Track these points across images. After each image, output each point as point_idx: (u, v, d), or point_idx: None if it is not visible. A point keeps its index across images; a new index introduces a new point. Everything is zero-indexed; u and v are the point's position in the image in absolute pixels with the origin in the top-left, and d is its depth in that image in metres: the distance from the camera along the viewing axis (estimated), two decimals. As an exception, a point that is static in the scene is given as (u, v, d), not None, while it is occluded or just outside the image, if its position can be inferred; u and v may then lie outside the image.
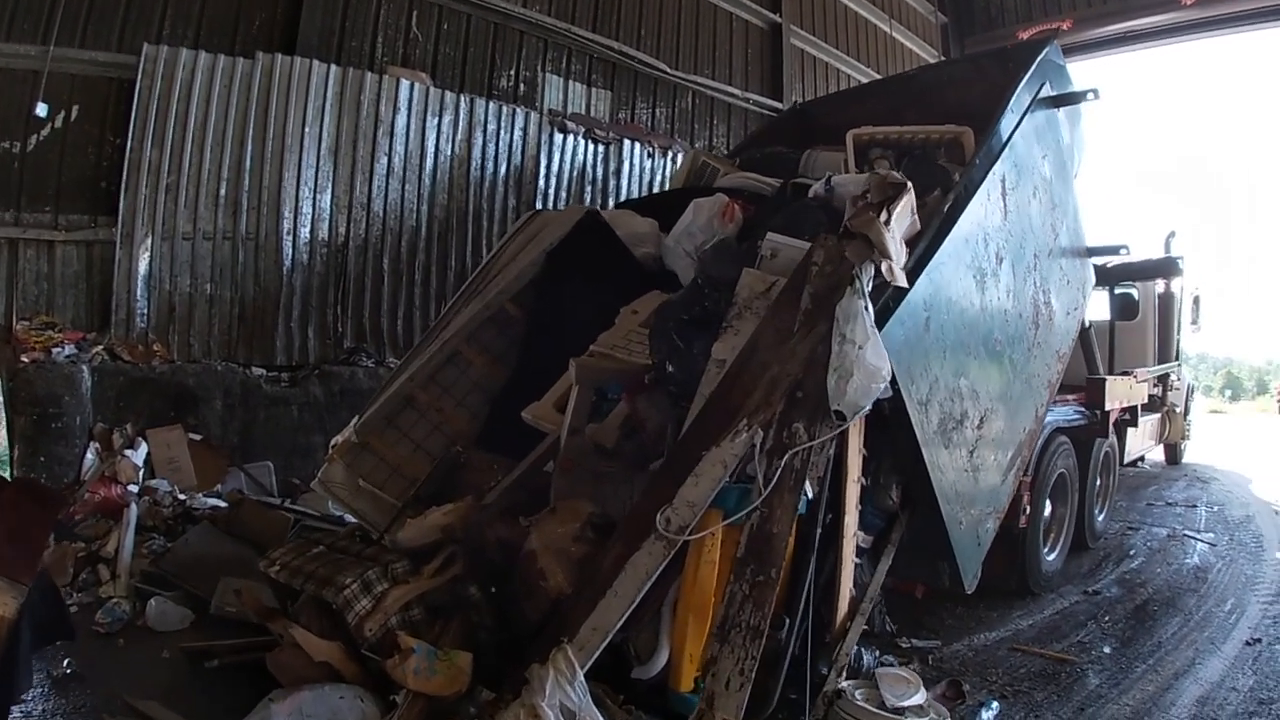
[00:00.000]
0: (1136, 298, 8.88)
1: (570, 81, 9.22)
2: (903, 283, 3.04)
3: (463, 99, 7.98)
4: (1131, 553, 6.24)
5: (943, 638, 4.29)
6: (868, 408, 2.85)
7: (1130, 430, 7.49)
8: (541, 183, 8.65)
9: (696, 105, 10.73)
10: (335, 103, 7.03)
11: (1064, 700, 3.60)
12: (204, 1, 6.61)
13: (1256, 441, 16.41)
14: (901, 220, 2.97)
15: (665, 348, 3.47)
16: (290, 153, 6.78)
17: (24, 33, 5.92)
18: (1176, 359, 9.73)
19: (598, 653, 2.56)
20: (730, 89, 11.05)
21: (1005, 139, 4.03)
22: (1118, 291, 8.27)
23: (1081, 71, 4.93)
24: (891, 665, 3.51)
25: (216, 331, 6.54)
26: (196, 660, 3.30)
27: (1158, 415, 9.03)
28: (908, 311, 3.23)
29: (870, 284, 2.89)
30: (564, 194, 8.86)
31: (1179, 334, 9.75)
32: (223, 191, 6.51)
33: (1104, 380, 6.20)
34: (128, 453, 5.41)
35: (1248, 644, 4.32)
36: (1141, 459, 9.53)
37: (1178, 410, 9.89)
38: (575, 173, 8.99)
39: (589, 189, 9.12)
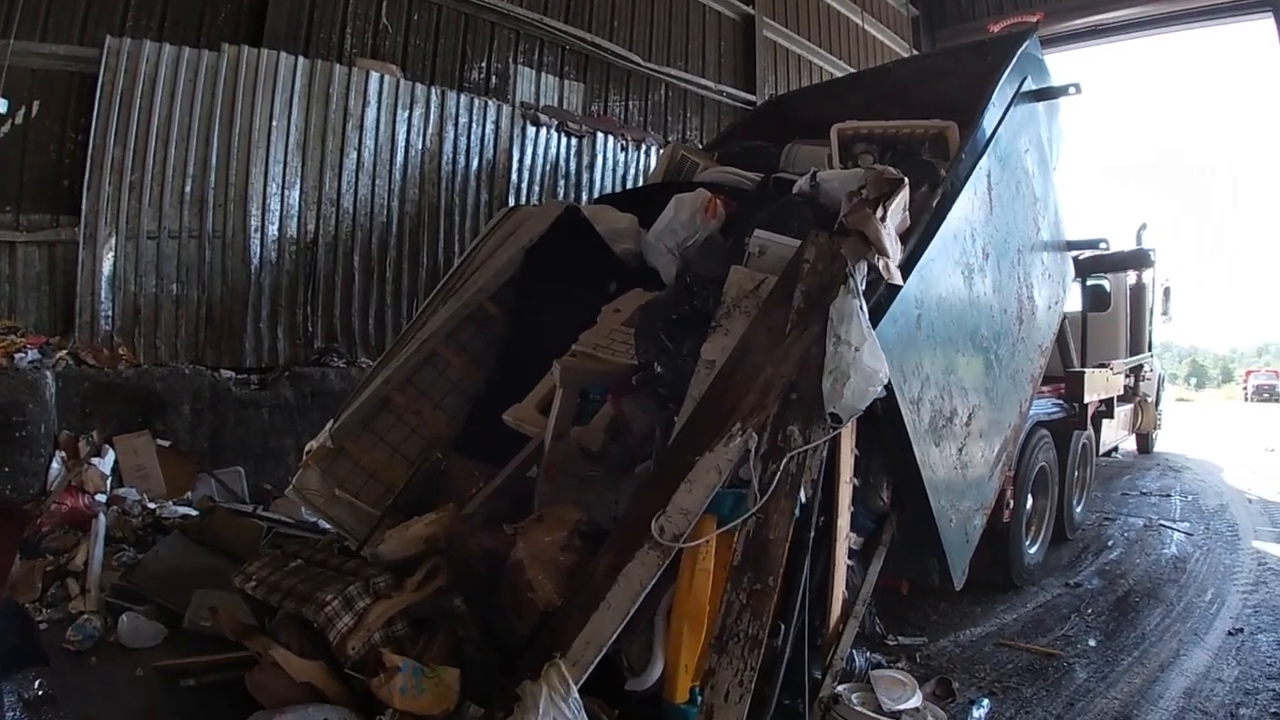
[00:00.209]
0: (1108, 289, 9.00)
1: (543, 74, 9.14)
2: (898, 280, 3.00)
3: (434, 91, 7.86)
4: (1110, 544, 6.31)
5: (929, 634, 4.28)
6: (863, 409, 2.80)
7: (1106, 421, 7.62)
8: (514, 177, 8.55)
9: (669, 97, 10.71)
10: (303, 96, 6.87)
11: (1053, 695, 3.60)
12: (168, -8, 6.43)
13: (1224, 429, 16.79)
14: (895, 216, 2.92)
15: (652, 348, 3.39)
16: (257, 148, 6.60)
17: (-19, 26, 5.70)
18: (1148, 350, 9.89)
19: (591, 667, 2.49)
20: (703, 81, 11.03)
21: (990, 134, 4.02)
22: (1089, 283, 8.34)
23: (1053, 65, 4.95)
24: (883, 667, 3.50)
25: (183, 333, 6.37)
26: (172, 679, 3.17)
27: (1131, 406, 9.19)
28: (900, 309, 3.20)
29: (864, 282, 2.84)
30: (537, 188, 8.77)
31: (1150, 325, 9.92)
32: (188, 188, 6.32)
33: (1083, 373, 6.27)
34: (95, 461, 5.24)
35: (1230, 634, 4.37)
36: (1115, 449, 9.67)
37: (1149, 400, 10.09)
38: (548, 166, 8.90)
39: (562, 183, 9.04)
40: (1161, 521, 7.05)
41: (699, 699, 2.56)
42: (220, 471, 5.99)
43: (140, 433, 5.61)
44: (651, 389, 3.45)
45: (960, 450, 3.81)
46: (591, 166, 9.33)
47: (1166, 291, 10.65)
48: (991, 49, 4.99)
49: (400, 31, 7.90)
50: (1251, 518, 7.37)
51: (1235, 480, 9.54)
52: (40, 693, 3.17)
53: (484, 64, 8.60)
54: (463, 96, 8.10)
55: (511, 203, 8.34)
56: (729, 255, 3.51)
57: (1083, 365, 6.80)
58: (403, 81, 7.60)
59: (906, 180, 3.00)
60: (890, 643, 4.03)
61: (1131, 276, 9.42)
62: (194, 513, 5.06)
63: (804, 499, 2.75)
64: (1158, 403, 10.99)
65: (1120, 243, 8.64)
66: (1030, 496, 5.25)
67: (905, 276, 3.13)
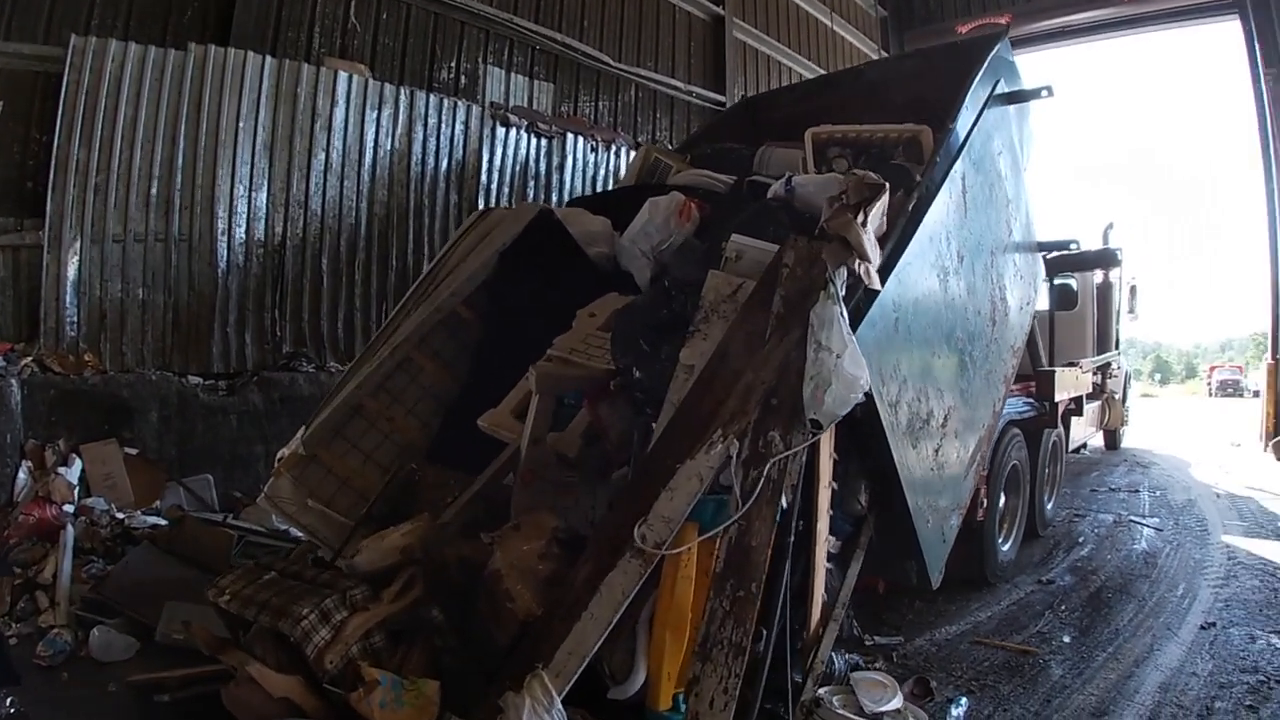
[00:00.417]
0: (1075, 288, 9.14)
1: (512, 74, 9.10)
2: (878, 286, 3.01)
3: (403, 92, 7.78)
4: (1080, 540, 6.39)
5: (904, 634, 4.31)
6: (843, 415, 2.80)
7: (1075, 419, 7.75)
8: (484, 178, 8.49)
9: (639, 98, 10.72)
10: (271, 96, 6.76)
11: (1030, 692, 3.64)
12: (134, -11, 6.30)
13: (1190, 424, 17.11)
14: (875, 221, 2.93)
15: (630, 352, 3.38)
16: (224, 148, 6.49)
17: (-57, 26, 5.55)
18: (1115, 347, 10.06)
19: (575, 678, 2.47)
20: (673, 81, 11.05)
21: (964, 137, 4.06)
22: (1057, 282, 8.48)
23: (1023, 66, 5.02)
24: (861, 668, 3.51)
25: (150, 339, 6.24)
26: (146, 695, 3.10)
27: (1099, 403, 9.35)
28: (879, 313, 3.21)
29: (844, 288, 2.85)
30: (507, 189, 8.73)
31: (1117, 323, 10.10)
32: (154, 190, 6.20)
33: (1053, 372, 6.35)
34: (61, 470, 5.12)
35: (1203, 628, 4.44)
36: (1084, 446, 9.83)
37: (1116, 397, 10.26)
38: (518, 167, 8.85)
39: (532, 184, 8.99)
40: (1131, 517, 7.17)
41: (682, 706, 2.55)
42: (189, 480, 5.89)
43: (107, 441, 5.50)
44: (629, 394, 3.44)
45: (937, 451, 3.84)
46: (561, 167, 9.30)
47: (1133, 290, 10.85)
48: (963, 51, 5.03)
49: (369, 31, 7.82)
50: (1220, 512, 7.51)
51: (1202, 475, 9.72)
52: (12, 711, 3.09)
53: (453, 64, 8.55)
54: (432, 97, 8.03)
55: (481, 204, 8.31)
56: (705, 259, 3.50)
57: (1051, 364, 6.89)
58: (371, 81, 7.51)
59: (887, 185, 3.01)
60: (867, 643, 4.05)
61: (1098, 275, 9.58)
62: (163, 522, 4.96)
63: (784, 504, 2.75)
64: (1125, 400, 11.21)
65: (1089, 243, 8.87)
66: (1003, 494, 5.31)
67: (883, 280, 3.14)
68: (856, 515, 3.65)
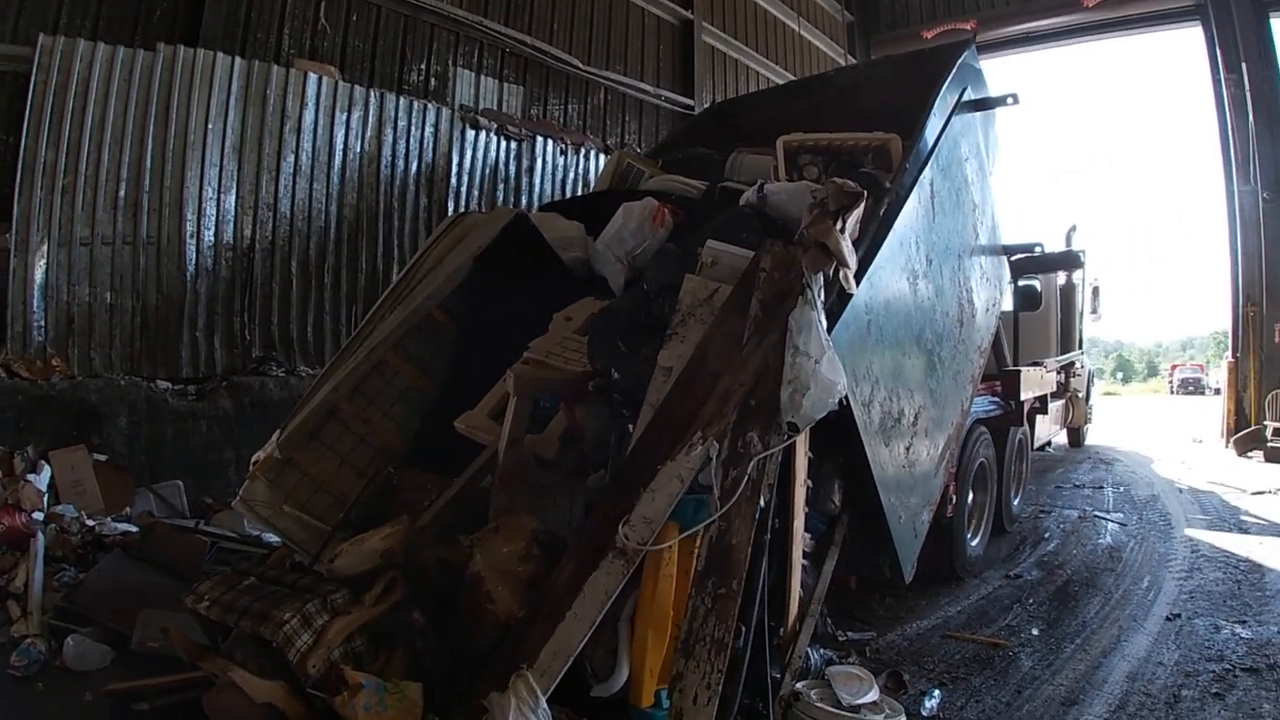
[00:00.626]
0: (1039, 289, 9.33)
1: (482, 76, 9.10)
2: (854, 290, 3.07)
3: (372, 94, 7.74)
4: (1046, 535, 6.54)
5: (876, 629, 4.40)
6: (819, 418, 2.86)
7: (1040, 417, 7.95)
8: (454, 180, 8.48)
9: (609, 101, 10.77)
10: (240, 97, 6.70)
11: (1001, 684, 3.74)
12: (104, -12, 6.20)
13: (1152, 422, 17.48)
14: (851, 227, 2.99)
15: (609, 354, 3.41)
16: (193, 150, 6.42)
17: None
18: (1078, 347, 10.30)
19: (559, 677, 2.50)
20: (642, 85, 11.11)
21: (932, 144, 4.16)
22: (1021, 284, 8.66)
23: (986, 71, 5.15)
24: (836, 663, 3.57)
25: (118, 344, 6.15)
26: (124, 703, 3.07)
27: (1063, 401, 9.56)
28: (852, 316, 3.29)
29: (821, 293, 2.91)
30: (476, 192, 8.72)
31: (1080, 323, 10.34)
32: (122, 193, 6.11)
33: (1019, 372, 6.51)
34: (30, 477, 5.03)
35: (1168, 619, 4.58)
36: (1049, 443, 10.04)
37: (1080, 396, 10.50)
38: (488, 170, 8.85)
39: (502, 187, 8.99)
40: (1096, 513, 7.34)
41: (664, 702, 2.59)
42: (159, 486, 5.81)
43: (76, 447, 5.42)
44: (606, 396, 3.47)
45: (908, 449, 3.94)
46: (531, 170, 9.31)
47: (1095, 290, 11.11)
48: (931, 59, 5.17)
49: (339, 32, 7.77)
50: (1183, 507, 7.73)
51: (1165, 471, 9.99)
52: (-12, 722, 3.06)
53: (423, 66, 8.53)
54: (402, 99, 8.01)
55: (451, 207, 8.32)
56: (681, 264, 3.54)
57: (1015, 363, 7.08)
58: (341, 83, 7.47)
59: (866, 193, 3.08)
60: (840, 639, 4.12)
61: (1062, 277, 9.80)
62: (134, 529, 4.89)
63: (763, 503, 2.80)
64: (1088, 398, 11.47)
65: (1052, 245, 9.04)
66: (971, 491, 5.44)
67: (857, 284, 3.22)
68: (830, 514, 3.72)
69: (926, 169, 4.06)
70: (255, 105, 6.80)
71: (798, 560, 3.21)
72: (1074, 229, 10.16)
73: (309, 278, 7.34)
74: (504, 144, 9.01)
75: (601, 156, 10.07)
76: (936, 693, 3.56)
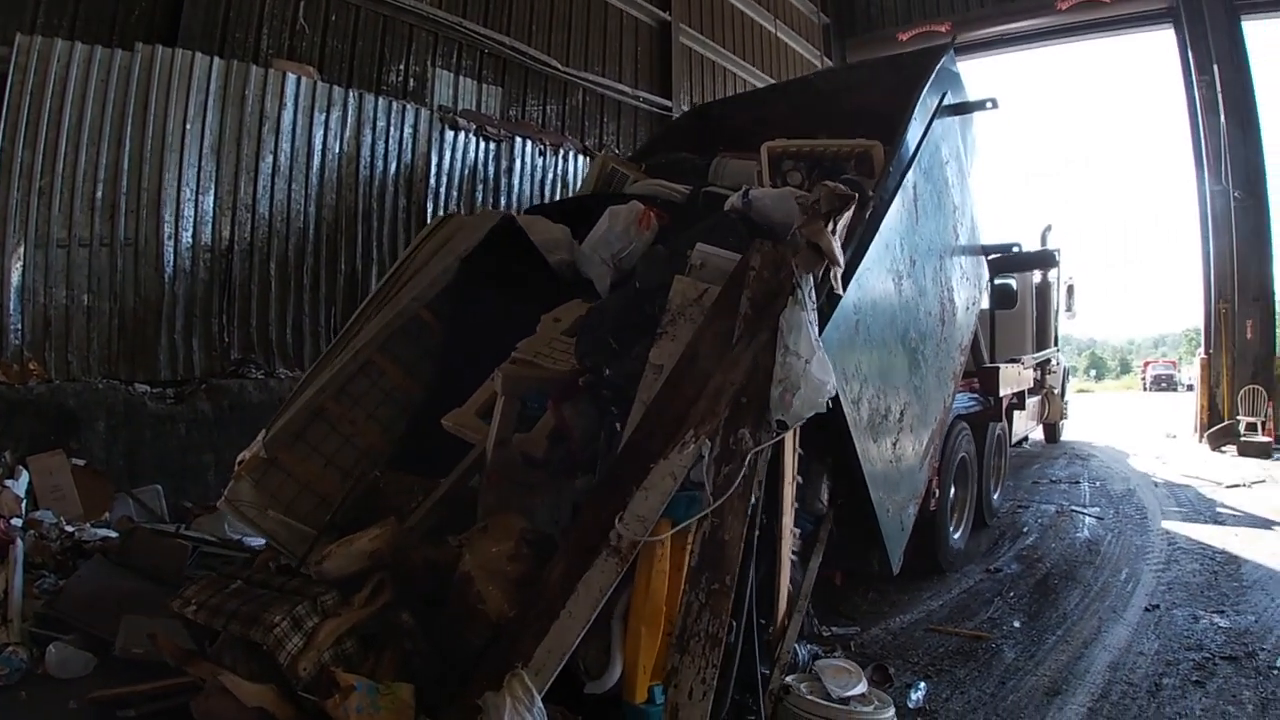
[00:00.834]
0: (1015, 288, 9.48)
1: (461, 77, 9.04)
2: (841, 290, 3.13)
3: (351, 94, 7.67)
4: (1025, 530, 6.64)
5: (860, 624, 4.44)
6: (808, 417, 2.90)
7: (1018, 413, 8.09)
8: (433, 181, 8.43)
9: (587, 102, 10.75)
10: (218, 97, 6.60)
11: (985, 675, 3.79)
12: (81, -13, 6.10)
13: (1126, 418, 17.73)
14: (841, 229, 3.04)
15: (600, 351, 3.43)
16: (171, 151, 6.31)
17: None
18: (1054, 344, 10.46)
19: (554, 675, 2.50)
20: (620, 86, 11.11)
21: (914, 148, 4.25)
22: (997, 282, 8.80)
23: (963, 73, 5.24)
24: (822, 657, 3.60)
25: (96, 346, 6.03)
26: (109, 710, 3.03)
27: (1039, 397, 9.71)
28: (842, 316, 3.36)
29: (812, 293, 2.94)
30: (455, 193, 8.68)
31: (1055, 321, 10.50)
32: (100, 194, 6.00)
33: (998, 368, 6.64)
34: (8, 483, 4.94)
35: (1147, 610, 4.67)
36: (1026, 439, 10.18)
37: (1056, 392, 10.67)
38: (466, 171, 8.80)
39: (481, 187, 8.95)
40: (1073, 507, 7.46)
41: (657, 698, 2.60)
42: (138, 490, 5.73)
43: (54, 452, 5.32)
44: (595, 394, 3.48)
45: (895, 445, 4.02)
46: (510, 171, 9.27)
47: (1070, 289, 11.29)
48: (909, 63, 5.29)
49: (318, 32, 7.69)
50: (1159, 500, 7.87)
51: (1140, 466, 10.16)
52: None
53: (402, 66, 8.45)
54: (381, 99, 7.94)
55: (430, 208, 8.29)
56: (670, 266, 3.57)
57: (992, 360, 7.20)
58: (320, 84, 7.39)
59: (857, 196, 3.12)
60: (825, 634, 4.16)
61: (1037, 275, 9.94)
62: (114, 534, 4.81)
63: (753, 499, 2.83)
64: (1063, 394, 11.66)
65: (1028, 244, 9.20)
66: (953, 486, 5.53)
67: (845, 286, 3.28)
68: (818, 513, 3.77)
69: (909, 172, 4.15)
70: (234, 105, 6.71)
71: (787, 556, 3.24)
72: (1049, 229, 10.33)
73: (288, 279, 7.26)
74: (483, 145, 8.98)
75: (580, 157, 10.09)
76: (922, 685, 3.61)
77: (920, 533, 4.66)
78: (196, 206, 6.56)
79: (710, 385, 2.82)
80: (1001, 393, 6.68)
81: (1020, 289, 9.58)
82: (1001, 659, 3.99)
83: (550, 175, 9.75)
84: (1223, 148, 11.74)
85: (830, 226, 2.92)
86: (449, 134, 8.60)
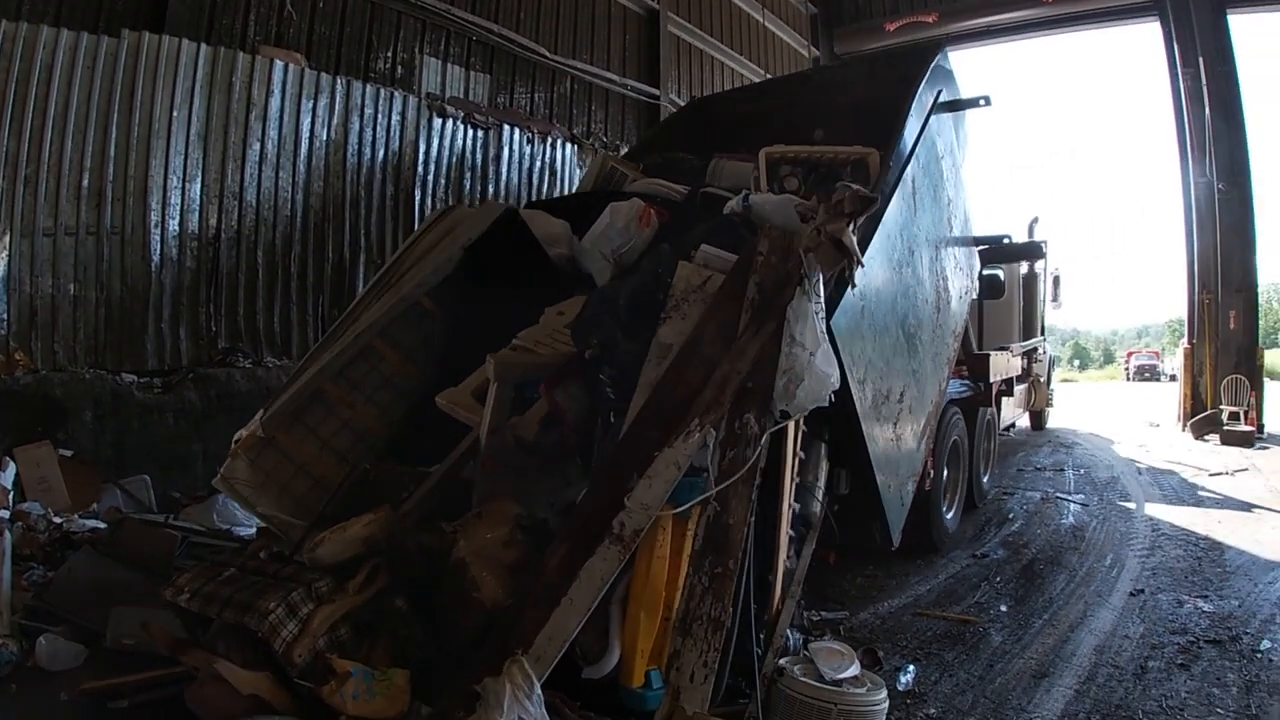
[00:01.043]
0: (1003, 278, 9.58)
1: (449, 64, 8.98)
2: (855, 282, 3.24)
3: (339, 81, 7.61)
4: (1010, 516, 6.70)
5: (849, 608, 4.48)
6: (810, 408, 2.94)
7: (1006, 399, 8.28)
8: (420, 169, 8.39)
9: (575, 90, 10.71)
10: (205, 84, 6.53)
11: (973, 658, 3.84)
12: (66, -26, 6.01)
13: (1110, 407, 17.89)
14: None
15: (610, 328, 3.48)
16: (157, 138, 6.24)
17: None
18: (1040, 334, 10.59)
19: (554, 662, 2.51)
20: (608, 75, 11.08)
21: (912, 144, 4.42)
22: (985, 272, 8.88)
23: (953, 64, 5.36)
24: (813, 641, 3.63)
25: (82, 336, 5.97)
26: (101, 701, 3.01)
27: (1026, 385, 9.87)
28: (849, 303, 3.50)
29: (819, 285, 2.99)
30: (443, 181, 8.65)
31: (1042, 311, 10.63)
32: (85, 182, 5.92)
33: (988, 356, 6.81)
34: (-5, 475, 4.90)
35: (1132, 595, 4.73)
36: (1012, 425, 10.28)
37: (1042, 380, 10.80)
38: (454, 158, 8.77)
39: (468, 175, 8.93)
40: (1058, 494, 7.53)
41: (654, 683, 2.62)
42: (126, 480, 5.66)
43: (41, 443, 5.25)
44: (594, 376, 3.50)
45: (895, 425, 4.20)
46: (498, 159, 9.25)
47: (1056, 280, 11.41)
48: (903, 60, 5.45)
49: (305, 19, 7.60)
50: (1142, 487, 7.96)
51: (1125, 453, 10.27)
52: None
53: (390, 54, 8.38)
54: (368, 87, 7.89)
55: (418, 195, 8.29)
56: (674, 262, 3.62)
57: (980, 349, 7.34)
58: (307, 71, 7.33)
59: (876, 199, 3.21)
60: (814, 618, 4.19)
61: (1024, 266, 10.07)
62: (102, 525, 4.77)
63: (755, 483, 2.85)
64: (1049, 382, 11.78)
65: (1016, 236, 9.32)
66: (946, 468, 5.71)
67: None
68: (810, 516, 3.81)
69: (908, 167, 4.31)
70: (221, 92, 6.64)
71: (784, 542, 3.26)
72: (1036, 220, 10.43)
73: (275, 267, 7.21)
74: (471, 132, 8.95)
75: (568, 145, 10.08)
76: (911, 668, 3.66)
77: (916, 510, 4.80)
78: (183, 195, 6.50)
79: (716, 374, 2.84)
80: (991, 379, 6.88)
81: (1008, 279, 9.68)
82: (989, 642, 4.04)
83: (538, 163, 9.74)
84: (1207, 139, 11.82)
85: (852, 226, 2.98)
86: (437, 122, 8.56)
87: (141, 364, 6.29)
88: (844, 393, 3.42)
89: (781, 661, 3.11)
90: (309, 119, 7.34)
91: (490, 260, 4.49)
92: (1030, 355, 9.97)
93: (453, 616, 2.94)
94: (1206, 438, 11.25)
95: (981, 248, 6.17)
